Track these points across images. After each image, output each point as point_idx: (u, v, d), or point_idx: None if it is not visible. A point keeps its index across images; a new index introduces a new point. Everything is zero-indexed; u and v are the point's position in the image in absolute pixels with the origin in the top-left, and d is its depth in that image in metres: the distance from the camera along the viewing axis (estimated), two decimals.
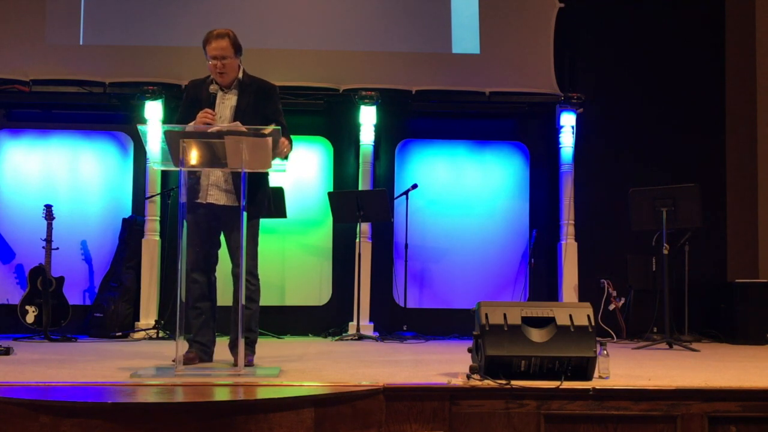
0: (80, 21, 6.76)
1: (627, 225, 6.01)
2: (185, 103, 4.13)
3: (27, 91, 6.68)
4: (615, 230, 6.79)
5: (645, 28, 7.24)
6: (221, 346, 4.22)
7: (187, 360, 3.90)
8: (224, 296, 4.13)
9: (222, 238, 4.13)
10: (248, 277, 3.93)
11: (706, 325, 6.61)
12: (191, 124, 3.86)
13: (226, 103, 4.03)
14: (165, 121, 6.53)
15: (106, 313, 6.39)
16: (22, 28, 6.70)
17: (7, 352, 4.43)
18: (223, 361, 4.08)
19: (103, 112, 6.92)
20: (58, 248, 6.17)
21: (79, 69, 6.71)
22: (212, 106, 3.94)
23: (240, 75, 4.05)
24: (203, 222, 4.03)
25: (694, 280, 6.45)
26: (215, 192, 3.99)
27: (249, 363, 3.90)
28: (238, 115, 3.96)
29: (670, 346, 5.52)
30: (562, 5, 6.99)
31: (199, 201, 4.01)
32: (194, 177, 3.98)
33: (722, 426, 3.28)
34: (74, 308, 6.32)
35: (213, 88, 4.00)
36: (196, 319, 4.07)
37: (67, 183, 6.90)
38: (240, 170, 3.62)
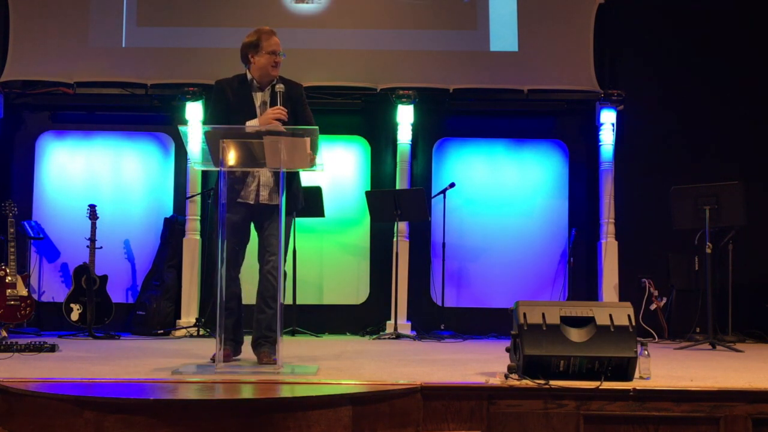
0: (122, 24, 6.88)
1: (669, 224, 5.91)
2: (218, 102, 4.18)
3: (71, 93, 6.81)
4: (656, 229, 6.67)
5: (687, 23, 7.09)
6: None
7: (223, 356, 3.94)
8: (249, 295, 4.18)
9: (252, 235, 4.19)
10: (274, 272, 3.97)
11: (751, 325, 6.46)
12: (256, 120, 3.96)
13: (263, 101, 4.11)
14: (205, 122, 6.60)
15: (149, 311, 6.50)
16: (66, 31, 6.83)
17: (52, 349, 4.53)
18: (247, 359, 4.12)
19: (144, 113, 7.02)
20: (101, 247, 6.29)
21: (121, 71, 6.82)
22: (250, 105, 4.03)
23: None
24: (240, 221, 4.09)
25: (739, 280, 6.30)
26: (266, 192, 4.04)
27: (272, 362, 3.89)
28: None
29: (713, 347, 5.42)
30: (602, 1, 6.90)
31: (242, 201, 4.05)
32: (234, 177, 4.03)
33: (766, 428, 3.22)
34: (117, 306, 6.44)
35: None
36: (228, 317, 4.12)
37: (110, 183, 7.02)
38: (279, 170, 3.67)
